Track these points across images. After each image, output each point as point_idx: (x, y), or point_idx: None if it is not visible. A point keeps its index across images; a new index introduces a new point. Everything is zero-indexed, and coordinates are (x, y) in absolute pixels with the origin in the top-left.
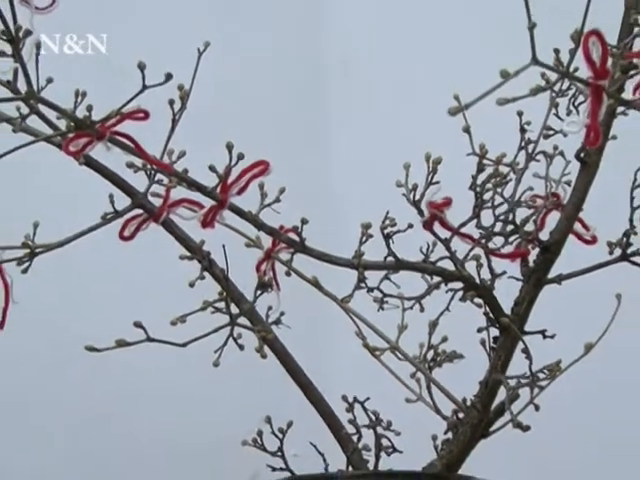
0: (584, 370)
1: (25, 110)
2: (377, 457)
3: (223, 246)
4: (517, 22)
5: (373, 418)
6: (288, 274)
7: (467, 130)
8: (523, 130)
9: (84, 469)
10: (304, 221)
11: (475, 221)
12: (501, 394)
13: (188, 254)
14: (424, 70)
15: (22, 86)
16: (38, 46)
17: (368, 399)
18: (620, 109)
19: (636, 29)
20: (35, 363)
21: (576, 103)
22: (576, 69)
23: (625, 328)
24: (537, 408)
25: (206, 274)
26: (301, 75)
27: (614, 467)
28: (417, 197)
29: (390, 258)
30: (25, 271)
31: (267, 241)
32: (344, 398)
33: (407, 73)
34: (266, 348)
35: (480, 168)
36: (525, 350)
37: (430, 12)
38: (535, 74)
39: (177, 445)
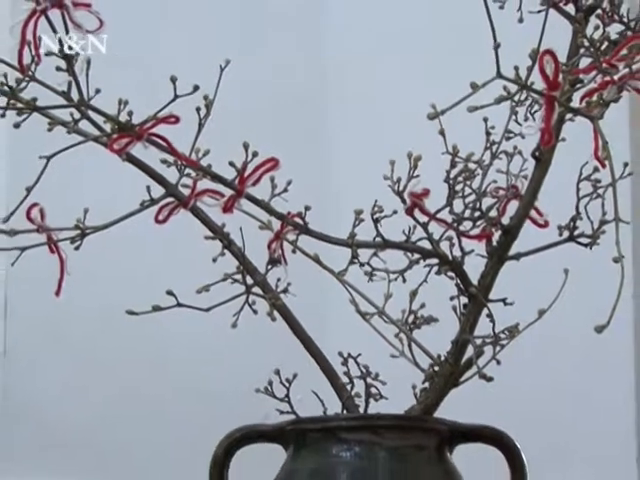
0: (538, 331)
1: (77, 115)
2: (367, 403)
3: (240, 228)
4: (485, 43)
5: (364, 371)
6: (294, 252)
7: (442, 133)
8: (488, 133)
9: (134, 403)
10: (307, 208)
11: (448, 208)
12: (469, 351)
13: (211, 235)
14: (409, 84)
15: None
16: (88, 62)
17: (359, 355)
18: (568, 116)
19: (582, 50)
20: (86, 324)
21: (532, 111)
22: (532, 82)
23: (571, 296)
24: (498, 362)
25: (226, 251)
26: (303, 86)
27: (558, 405)
28: (400, 188)
29: (378, 238)
30: (77, 248)
31: (276, 224)
32: (340, 354)
33: (394, 88)
34: (275, 313)
35: (452, 165)
36: (489, 315)
37: (416, 38)
38: (499, 86)
39: (203, 391)
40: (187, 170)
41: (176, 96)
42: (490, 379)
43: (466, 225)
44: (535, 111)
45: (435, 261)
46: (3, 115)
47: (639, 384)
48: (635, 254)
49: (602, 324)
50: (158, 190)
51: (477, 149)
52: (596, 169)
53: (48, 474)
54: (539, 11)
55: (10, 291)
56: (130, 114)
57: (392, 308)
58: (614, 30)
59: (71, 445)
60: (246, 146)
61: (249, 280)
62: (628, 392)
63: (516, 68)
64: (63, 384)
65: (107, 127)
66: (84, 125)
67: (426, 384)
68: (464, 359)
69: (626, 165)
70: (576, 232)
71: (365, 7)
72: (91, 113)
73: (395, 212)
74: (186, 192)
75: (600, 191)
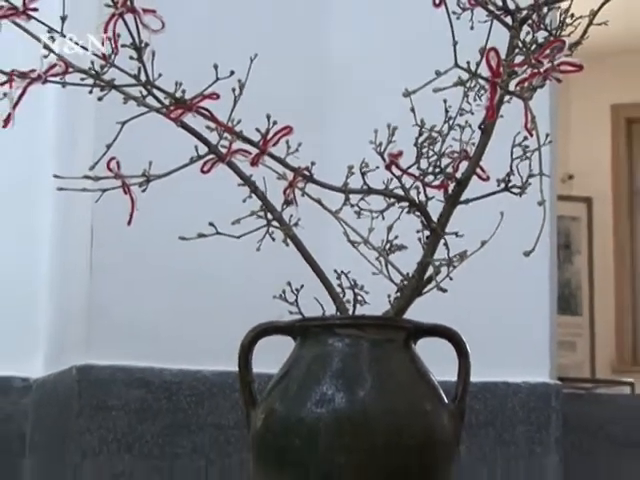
0: (480, 256)
1: (144, 92)
2: (354, 307)
3: (263, 178)
4: (446, 42)
5: (352, 284)
6: (302, 196)
7: (412, 110)
8: (447, 110)
9: (188, 306)
10: (313, 163)
11: (416, 165)
12: (430, 270)
13: (242, 182)
14: (391, 71)
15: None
16: (153, 53)
17: (350, 272)
18: (506, 98)
19: (517, 50)
20: (151, 247)
21: (480, 94)
22: (480, 72)
23: (505, 231)
24: (451, 279)
25: (252, 195)
26: (309, 77)
27: (493, 310)
28: (382, 150)
29: (365, 187)
30: (143, 191)
31: (290, 175)
32: (335, 271)
33: (382, 73)
34: (288, 240)
35: (420, 133)
36: (445, 244)
37: (395, 41)
38: (456, 74)
39: (235, 297)
40: (224, 134)
41: (217, 79)
42: (445, 291)
43: (429, 178)
44: (482, 94)
45: (406, 204)
46: (91, 92)
47: (552, 291)
48: (551, 200)
49: (529, 250)
50: (203, 149)
51: (438, 122)
52: (525, 138)
53: (125, 358)
54: (485, 21)
55: (95, 222)
56: (183, 92)
57: (374, 238)
58: (541, 35)
59: (143, 336)
60: (268, 117)
61: (269, 216)
62: (543, 300)
63: (468, 63)
64: (135, 291)
65: (166, 101)
66: (149, 100)
67: (398, 294)
68: (426, 276)
69: (547, 135)
70: (510, 184)
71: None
72: (155, 91)
73: (377, 167)
74: (224, 150)
75: (528, 154)
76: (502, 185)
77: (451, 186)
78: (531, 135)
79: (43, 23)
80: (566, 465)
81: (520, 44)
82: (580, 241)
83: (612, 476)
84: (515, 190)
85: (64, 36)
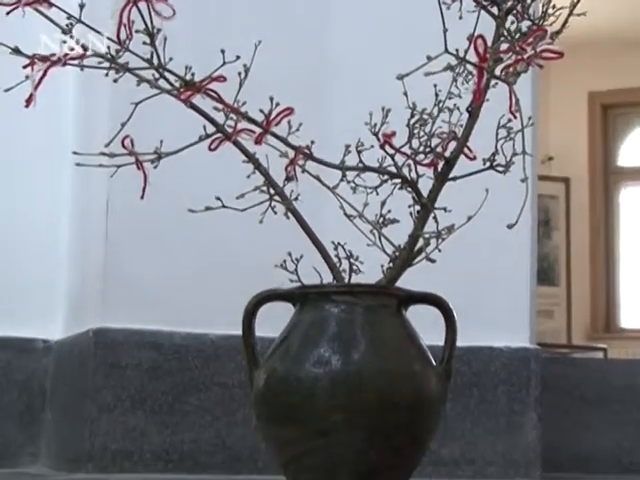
0: (467, 230)
1: (156, 75)
2: (350, 276)
3: (266, 155)
4: (437, 30)
5: (348, 254)
6: (303, 172)
7: (405, 94)
8: (437, 94)
9: (198, 272)
10: (312, 142)
11: (408, 145)
12: (420, 242)
13: (246, 159)
14: (385, 57)
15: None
16: (165, 38)
17: (346, 243)
18: (492, 82)
19: (502, 38)
20: (162, 217)
21: (468, 78)
22: (468, 59)
23: (490, 206)
24: (440, 250)
25: (256, 171)
26: (311, 61)
27: (473, 278)
28: (376, 130)
29: (360, 164)
30: (155, 167)
31: (291, 153)
32: (332, 242)
33: (376, 59)
34: (289, 214)
35: (412, 115)
36: (434, 218)
37: (390, 29)
38: (445, 59)
39: (241, 266)
40: (230, 115)
41: (224, 62)
42: (434, 261)
43: (420, 157)
44: (469, 79)
45: (399, 181)
46: (107, 74)
47: (532, 264)
48: (533, 178)
49: (512, 223)
50: (210, 128)
51: (429, 105)
52: (509, 120)
53: (138, 322)
54: (473, 11)
55: (110, 196)
56: (193, 75)
57: (369, 212)
58: (524, 25)
59: (154, 302)
60: (271, 99)
61: (272, 191)
62: (524, 271)
63: (456, 49)
64: (148, 260)
65: (177, 84)
66: (161, 82)
67: (390, 264)
68: (416, 248)
69: (530, 118)
70: (494, 163)
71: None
72: (166, 74)
73: (372, 147)
74: (230, 130)
75: (512, 135)
76: (487, 164)
77: (440, 164)
78: (515, 117)
79: (63, 10)
80: (543, 422)
81: (505, 33)
82: (558, 218)
83: (585, 431)
84: (499, 168)
85: (82, 22)
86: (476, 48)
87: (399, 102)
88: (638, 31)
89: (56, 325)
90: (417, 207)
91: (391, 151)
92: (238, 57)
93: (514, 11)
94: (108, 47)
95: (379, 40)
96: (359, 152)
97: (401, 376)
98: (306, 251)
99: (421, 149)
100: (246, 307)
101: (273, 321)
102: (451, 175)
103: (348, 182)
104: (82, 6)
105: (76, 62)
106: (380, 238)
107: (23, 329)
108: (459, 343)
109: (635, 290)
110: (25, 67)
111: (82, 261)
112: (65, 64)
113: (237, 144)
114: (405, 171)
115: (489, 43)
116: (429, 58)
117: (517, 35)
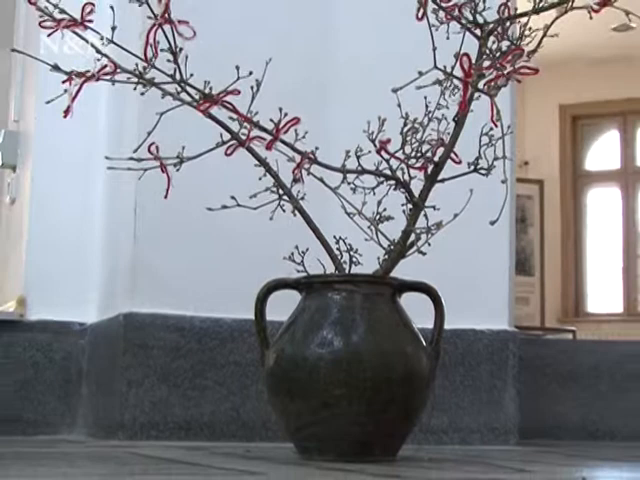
0: (452, 226)
1: (179, 89)
2: (350, 267)
3: (276, 160)
4: (427, 48)
5: (348, 247)
6: (308, 174)
7: (399, 105)
8: (427, 105)
9: (218, 264)
10: (317, 148)
11: (402, 150)
12: (412, 237)
13: (258, 163)
14: (381, 73)
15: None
16: (186, 56)
17: (347, 238)
18: (476, 95)
19: (484, 56)
20: (184, 217)
21: (454, 91)
22: (454, 74)
23: (475, 205)
24: (429, 244)
25: (267, 174)
26: (314, 73)
27: (464, 269)
28: (373, 138)
29: (359, 167)
30: (178, 170)
31: (298, 158)
32: (334, 237)
33: (374, 74)
34: (296, 212)
35: (405, 124)
36: (425, 215)
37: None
38: (435, 75)
39: (253, 258)
40: (244, 124)
41: (238, 77)
42: (424, 254)
43: (412, 161)
44: (456, 92)
45: (393, 182)
46: (135, 88)
47: (511, 255)
48: (512, 180)
49: (493, 219)
50: (226, 136)
51: (420, 115)
52: (491, 128)
53: (163, 307)
54: (459, 32)
55: (138, 196)
56: (211, 89)
57: (367, 210)
58: (504, 45)
59: (177, 290)
60: (280, 109)
61: (280, 191)
62: (504, 262)
63: (444, 66)
64: (171, 253)
65: (197, 96)
66: (183, 95)
67: (386, 256)
68: (409, 242)
69: (509, 126)
70: (478, 166)
71: (361, 26)
72: (187, 88)
73: (370, 152)
74: (243, 137)
75: (493, 141)
76: (472, 167)
77: (430, 168)
78: (496, 126)
79: (97, 32)
80: (521, 395)
81: (487, 51)
82: (533, 215)
83: (558, 404)
84: (482, 171)
85: (114, 42)
86: (462, 65)
87: (394, 113)
88: (604, 51)
89: (91, 310)
90: (409, 205)
91: (386, 156)
92: (251, 73)
93: (495, 32)
94: (136, 64)
95: (376, 58)
96: (358, 157)
97: (395, 355)
98: (311, 245)
99: (413, 154)
100: (258, 294)
101: (282, 307)
102: (439, 177)
103: (348, 183)
104: (114, 28)
105: (108, 77)
106: (377, 233)
107: (62, 313)
108: (446, 326)
109: (600, 279)
110: (64, 82)
111: (113, 253)
112: (98, 79)
113: (250, 150)
114: (399, 174)
115: (473, 60)
116: (420, 73)
117: (498, 54)
